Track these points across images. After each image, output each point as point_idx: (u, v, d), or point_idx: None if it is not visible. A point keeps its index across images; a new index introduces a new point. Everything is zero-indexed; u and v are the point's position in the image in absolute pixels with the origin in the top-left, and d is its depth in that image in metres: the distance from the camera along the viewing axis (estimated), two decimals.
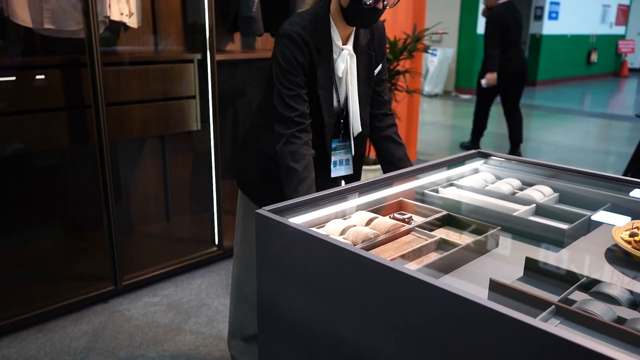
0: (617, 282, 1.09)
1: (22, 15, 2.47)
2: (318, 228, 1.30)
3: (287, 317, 1.23)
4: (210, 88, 2.93)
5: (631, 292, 1.01)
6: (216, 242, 3.16)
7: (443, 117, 9.00)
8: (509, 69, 5.62)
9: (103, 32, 2.66)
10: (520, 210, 1.43)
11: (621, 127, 8.08)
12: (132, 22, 2.76)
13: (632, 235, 1.26)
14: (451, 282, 1.09)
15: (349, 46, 1.62)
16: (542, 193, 1.57)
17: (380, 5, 1.51)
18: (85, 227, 3.09)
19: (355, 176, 1.81)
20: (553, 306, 0.94)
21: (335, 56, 1.60)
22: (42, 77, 2.52)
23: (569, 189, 1.62)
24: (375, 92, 1.75)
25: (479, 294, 0.90)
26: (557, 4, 12.72)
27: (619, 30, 15.31)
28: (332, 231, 1.28)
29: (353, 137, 1.71)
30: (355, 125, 1.67)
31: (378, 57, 1.71)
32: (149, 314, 2.60)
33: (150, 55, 2.84)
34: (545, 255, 1.28)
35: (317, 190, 1.45)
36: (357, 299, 1.04)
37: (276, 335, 1.29)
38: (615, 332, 0.88)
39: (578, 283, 1.04)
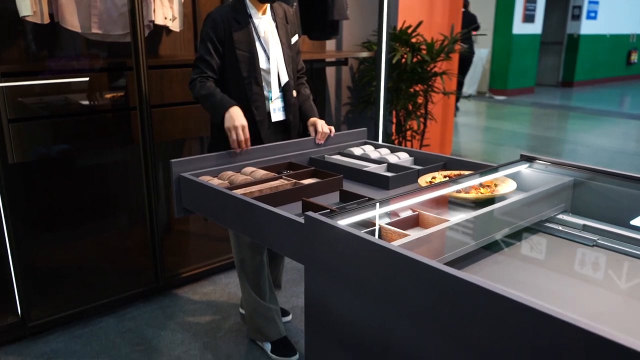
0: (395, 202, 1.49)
1: (72, 21, 2.56)
2: (213, 176, 1.86)
3: (336, 319, 1.25)
4: None
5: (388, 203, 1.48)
6: None
7: (477, 119, 8.89)
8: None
9: (147, 35, 2.73)
10: (371, 167, 1.98)
11: None
12: (175, 25, 2.82)
13: (432, 177, 1.82)
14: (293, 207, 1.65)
15: (267, 16, 2.13)
16: (398, 157, 2.12)
17: None
18: (128, 226, 3.17)
19: (293, 124, 2.25)
20: (329, 210, 1.44)
21: (257, 23, 2.10)
22: (88, 79, 2.60)
23: (604, 189, 1.62)
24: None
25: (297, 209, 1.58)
26: (596, 3, 12.40)
27: None
28: (222, 177, 1.84)
29: (281, 85, 2.16)
30: (282, 75, 2.15)
31: (292, 28, 2.23)
32: (189, 311, 2.66)
33: (192, 58, 2.89)
34: (370, 193, 1.76)
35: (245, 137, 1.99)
36: (406, 301, 1.05)
37: (324, 337, 1.31)
38: (364, 223, 1.38)
39: (360, 200, 1.61)
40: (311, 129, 2.23)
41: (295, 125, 2.27)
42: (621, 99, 11.34)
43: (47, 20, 2.43)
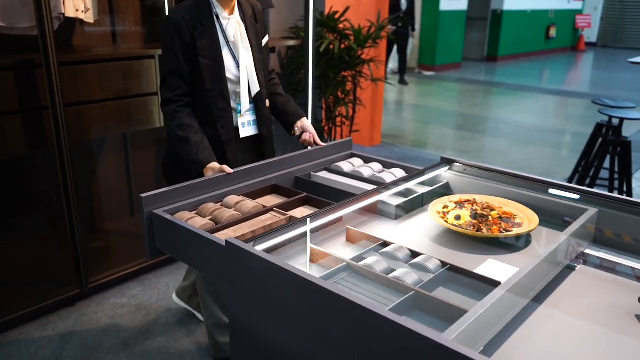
0: (413, 245, 1.39)
1: None
2: (191, 211, 1.58)
3: (260, 344, 1.26)
4: None
5: (411, 251, 1.35)
6: None
7: (407, 96, 9.07)
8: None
9: (57, 28, 2.56)
10: (368, 189, 1.72)
11: (577, 105, 8.32)
12: (89, 17, 2.66)
13: (444, 207, 1.59)
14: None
15: (236, 16, 1.88)
16: (394, 175, 1.87)
17: None
18: (48, 230, 3.01)
19: (268, 138, 2.05)
20: (345, 263, 1.29)
21: (225, 24, 1.85)
22: None
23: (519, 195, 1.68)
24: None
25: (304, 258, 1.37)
26: None
27: (577, 5, 15.60)
28: (203, 212, 1.56)
29: (252, 96, 1.94)
30: (253, 85, 1.92)
31: (262, 28, 2.01)
32: (117, 316, 2.59)
33: (109, 53, 2.74)
34: (374, 226, 1.58)
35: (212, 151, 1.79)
36: (325, 329, 1.07)
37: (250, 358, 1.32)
38: (383, 280, 1.22)
39: (372, 246, 1.40)
40: (298, 131, 2.04)
41: (270, 139, 2.05)
42: (541, 74, 11.91)
43: None
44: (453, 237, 1.50)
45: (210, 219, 1.52)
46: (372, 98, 5.11)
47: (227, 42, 1.86)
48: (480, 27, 13.11)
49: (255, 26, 1.96)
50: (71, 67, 2.53)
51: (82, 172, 2.95)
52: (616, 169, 3.83)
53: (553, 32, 14.73)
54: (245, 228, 1.49)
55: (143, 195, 1.51)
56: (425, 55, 11.40)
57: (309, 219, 1.43)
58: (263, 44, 2.00)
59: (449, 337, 0.90)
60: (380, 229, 1.55)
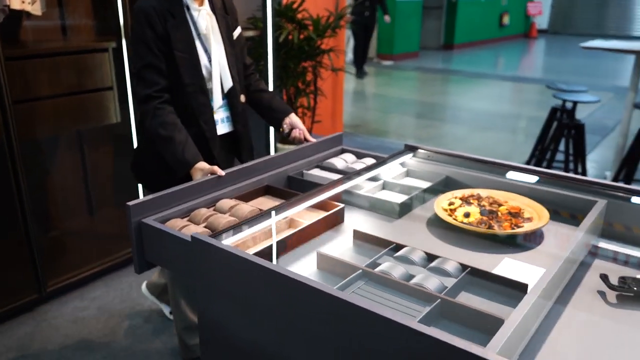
0: (423, 246, 1.32)
1: None
2: (183, 218, 1.47)
3: (229, 337, 1.23)
4: (128, 78, 2.78)
5: (427, 253, 1.27)
6: None
7: (367, 86, 9.11)
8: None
9: (2, 22, 2.43)
10: (366, 187, 1.68)
11: (531, 90, 8.55)
12: (36, 9, 2.53)
13: (450, 204, 1.52)
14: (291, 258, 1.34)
15: (206, 7, 1.81)
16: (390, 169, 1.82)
17: None
18: (0, 233, 2.89)
19: (244, 135, 1.96)
20: (360, 270, 1.19)
21: (195, 16, 1.78)
22: None
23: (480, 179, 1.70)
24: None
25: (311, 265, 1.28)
26: None
27: None
28: (195, 220, 1.45)
29: (224, 92, 1.85)
30: (226, 80, 1.83)
31: (233, 21, 1.92)
32: (79, 320, 2.50)
33: (60, 46, 2.63)
34: (378, 226, 1.51)
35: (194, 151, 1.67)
36: (298, 322, 1.05)
37: (220, 355, 1.29)
38: (404, 288, 1.13)
39: (384, 250, 1.30)
40: (287, 128, 1.96)
41: (247, 136, 1.97)
42: (496, 61, 12.17)
43: None
44: (462, 236, 1.43)
45: (205, 226, 1.41)
46: (332, 88, 5.10)
47: (199, 35, 1.78)
48: (436, 15, 13.27)
49: (225, 18, 1.88)
50: (19, 61, 2.41)
51: (35, 171, 2.83)
52: (571, 151, 3.95)
53: (506, 20, 15.05)
54: (245, 236, 1.37)
55: (130, 203, 1.38)
56: (383, 44, 11.46)
57: (273, 212, 1.41)
58: (235, 37, 1.91)
59: (495, 351, 0.84)
60: (386, 230, 1.49)
